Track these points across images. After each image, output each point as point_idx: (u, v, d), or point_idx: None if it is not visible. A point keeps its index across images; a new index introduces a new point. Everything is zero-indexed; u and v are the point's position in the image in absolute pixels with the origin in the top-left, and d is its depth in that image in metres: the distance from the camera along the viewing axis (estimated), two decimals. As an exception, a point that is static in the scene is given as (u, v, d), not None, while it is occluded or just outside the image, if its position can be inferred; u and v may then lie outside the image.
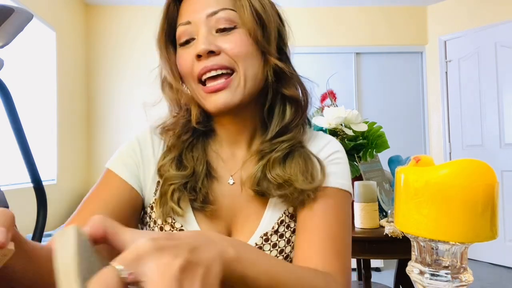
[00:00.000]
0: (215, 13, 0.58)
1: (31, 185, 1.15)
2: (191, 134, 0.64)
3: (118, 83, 3.65)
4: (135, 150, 0.65)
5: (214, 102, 0.58)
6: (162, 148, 0.66)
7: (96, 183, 0.62)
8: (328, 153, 0.65)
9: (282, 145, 0.62)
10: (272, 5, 0.64)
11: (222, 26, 0.58)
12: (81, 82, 3.58)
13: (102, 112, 3.67)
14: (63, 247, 0.26)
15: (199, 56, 0.58)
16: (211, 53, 0.57)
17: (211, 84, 0.58)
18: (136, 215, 0.64)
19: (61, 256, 0.26)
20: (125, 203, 0.60)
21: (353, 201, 1.26)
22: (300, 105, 0.65)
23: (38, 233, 1.14)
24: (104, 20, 3.68)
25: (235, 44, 0.58)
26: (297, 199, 0.59)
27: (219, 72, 0.58)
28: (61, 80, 3.16)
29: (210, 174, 0.63)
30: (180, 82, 0.63)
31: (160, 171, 0.62)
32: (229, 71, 0.58)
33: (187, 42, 0.60)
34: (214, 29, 0.59)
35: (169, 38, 0.63)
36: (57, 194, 3.08)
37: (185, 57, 0.60)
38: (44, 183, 1.18)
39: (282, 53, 0.65)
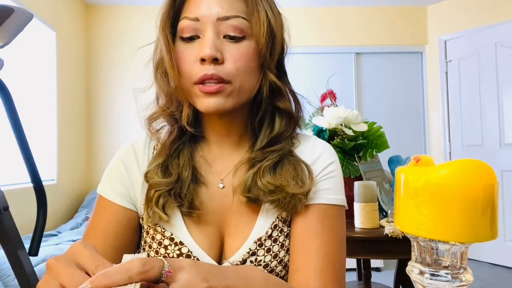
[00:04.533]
0: (227, 18, 0.56)
1: (31, 185, 1.15)
2: (178, 138, 0.64)
3: (118, 83, 3.65)
4: (120, 170, 0.64)
5: (207, 103, 0.57)
6: (148, 157, 0.66)
7: (92, 211, 0.63)
8: (323, 165, 0.64)
9: (273, 154, 0.62)
10: (280, 16, 0.63)
11: (231, 34, 0.57)
12: (81, 82, 3.58)
13: (102, 112, 3.67)
14: None
15: (202, 60, 0.56)
16: (215, 60, 0.56)
17: (207, 85, 0.56)
18: (138, 231, 0.65)
19: None
20: (124, 225, 0.61)
21: (352, 202, 1.26)
22: (292, 119, 0.65)
23: (38, 233, 1.14)
24: (104, 20, 3.68)
25: (240, 57, 0.57)
26: (289, 204, 0.58)
27: (216, 82, 0.57)
28: (61, 80, 3.16)
29: (197, 179, 0.63)
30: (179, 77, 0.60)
31: (146, 177, 0.62)
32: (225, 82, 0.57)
33: (191, 38, 0.58)
34: (222, 34, 0.57)
35: (172, 27, 0.60)
36: (57, 194, 3.09)
37: (187, 55, 0.58)
38: (44, 183, 1.18)
39: (280, 68, 0.64)
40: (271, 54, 0.60)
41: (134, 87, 0.66)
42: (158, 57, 0.62)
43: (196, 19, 0.57)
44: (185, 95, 0.60)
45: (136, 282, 0.33)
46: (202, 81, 0.56)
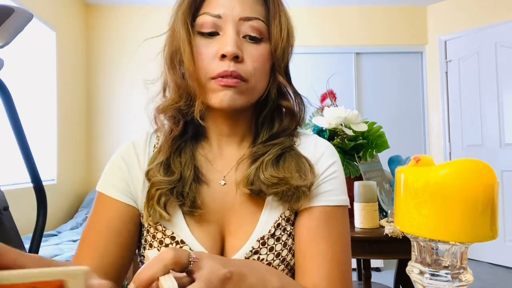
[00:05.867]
0: (249, 19, 0.58)
1: (31, 185, 1.15)
2: (181, 136, 0.64)
3: (118, 83, 3.65)
4: (121, 167, 0.64)
5: (222, 97, 0.58)
6: (149, 155, 0.65)
7: (92, 209, 0.63)
8: (325, 166, 0.64)
9: (274, 147, 0.63)
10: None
11: (252, 34, 0.59)
12: (81, 82, 3.58)
13: (102, 112, 3.67)
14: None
15: (223, 56, 0.57)
16: (235, 57, 0.57)
17: (225, 79, 0.57)
18: (140, 228, 0.64)
19: None
20: (127, 222, 0.61)
21: (352, 202, 1.26)
22: (294, 118, 0.66)
23: (38, 233, 1.14)
24: (104, 20, 3.68)
25: (257, 58, 0.59)
26: (293, 196, 0.59)
27: (234, 80, 0.57)
28: (61, 80, 3.16)
29: (198, 178, 0.63)
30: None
31: (148, 175, 0.61)
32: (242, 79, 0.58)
33: (211, 34, 0.59)
34: (242, 33, 0.59)
35: (191, 20, 0.60)
36: (57, 194, 3.09)
37: (205, 51, 0.58)
38: (44, 183, 1.18)
39: (287, 71, 0.66)
40: (283, 58, 0.62)
41: (144, 78, 0.66)
42: (173, 49, 0.62)
43: (218, 16, 0.58)
44: (199, 89, 0.60)
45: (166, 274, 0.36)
46: (219, 77, 0.57)
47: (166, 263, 0.36)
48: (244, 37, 0.59)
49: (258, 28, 0.59)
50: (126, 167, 0.64)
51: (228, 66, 0.56)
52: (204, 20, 0.59)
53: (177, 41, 0.60)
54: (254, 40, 0.59)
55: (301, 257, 0.60)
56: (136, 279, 0.35)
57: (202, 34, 0.59)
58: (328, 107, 1.53)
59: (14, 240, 1.04)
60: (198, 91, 0.60)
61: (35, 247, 1.12)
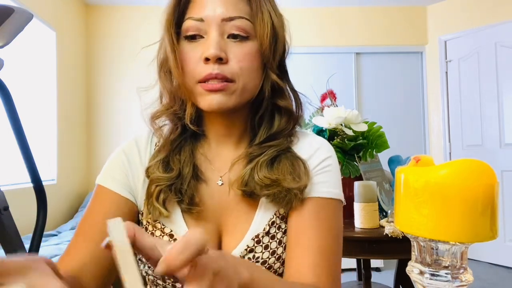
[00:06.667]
0: (231, 19, 0.58)
1: (31, 185, 1.15)
2: (180, 135, 0.64)
3: (118, 83, 3.65)
4: (123, 161, 0.64)
5: (210, 101, 0.58)
6: (150, 153, 0.66)
7: (90, 200, 0.63)
8: (319, 159, 0.64)
9: (270, 149, 0.63)
10: (282, 17, 0.64)
11: (236, 33, 0.58)
12: (81, 82, 3.58)
13: (102, 112, 3.67)
14: (116, 230, 0.32)
15: (207, 59, 0.57)
16: (219, 59, 0.57)
17: (211, 83, 0.57)
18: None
19: (116, 236, 0.32)
20: (126, 214, 0.61)
21: (352, 202, 1.27)
22: (292, 117, 0.66)
23: (38, 233, 1.14)
24: (104, 20, 3.68)
25: (244, 57, 0.58)
26: (285, 198, 0.59)
27: (220, 84, 0.57)
28: (61, 80, 3.16)
29: (197, 176, 0.63)
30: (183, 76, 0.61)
31: (147, 172, 0.62)
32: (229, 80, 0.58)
33: (194, 37, 0.59)
34: (226, 33, 0.58)
35: (177, 27, 0.61)
36: (57, 194, 3.08)
37: (191, 55, 0.59)
38: (44, 183, 1.18)
39: (282, 68, 0.65)
40: (273, 55, 0.61)
41: (138, 86, 0.66)
42: (162, 57, 0.63)
43: (201, 20, 0.58)
44: (188, 93, 0.60)
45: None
46: (205, 80, 0.57)
47: (199, 248, 0.31)
48: (228, 37, 0.58)
49: (242, 27, 0.58)
50: (127, 161, 0.65)
51: (212, 68, 0.56)
52: (189, 25, 0.59)
53: (164, 48, 0.62)
54: (238, 38, 0.58)
55: (288, 246, 0.60)
56: (166, 264, 0.30)
57: (187, 38, 0.60)
58: (328, 107, 1.53)
59: (14, 240, 1.04)
60: (188, 95, 0.60)
61: (35, 247, 1.12)
